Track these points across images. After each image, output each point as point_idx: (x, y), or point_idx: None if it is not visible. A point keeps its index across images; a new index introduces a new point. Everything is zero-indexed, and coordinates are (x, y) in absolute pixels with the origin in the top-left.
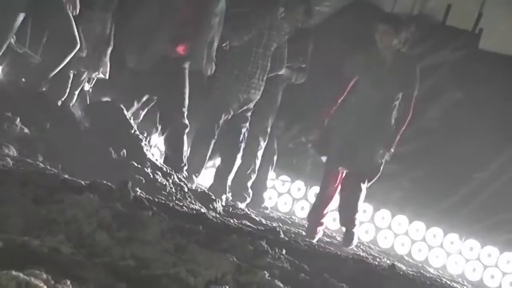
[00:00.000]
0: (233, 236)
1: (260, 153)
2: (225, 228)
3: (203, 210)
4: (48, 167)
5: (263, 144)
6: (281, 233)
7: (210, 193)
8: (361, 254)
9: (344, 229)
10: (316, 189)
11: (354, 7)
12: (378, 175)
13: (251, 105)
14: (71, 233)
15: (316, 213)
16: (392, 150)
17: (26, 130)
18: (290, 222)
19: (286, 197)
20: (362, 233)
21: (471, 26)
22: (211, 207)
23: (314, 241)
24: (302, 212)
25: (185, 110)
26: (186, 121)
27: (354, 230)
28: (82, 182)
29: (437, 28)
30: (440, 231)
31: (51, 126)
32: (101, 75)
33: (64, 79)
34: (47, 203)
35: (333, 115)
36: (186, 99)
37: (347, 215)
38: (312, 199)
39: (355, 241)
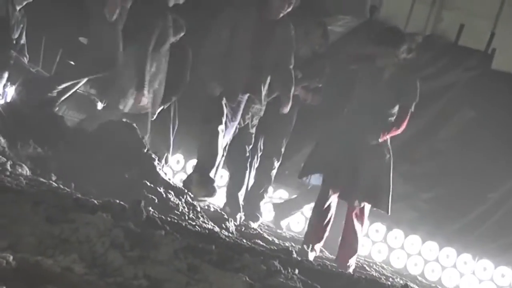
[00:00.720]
0: (246, 256)
1: (273, 173)
2: (237, 247)
3: (216, 229)
4: (61, 186)
5: (276, 164)
6: (294, 252)
7: (223, 213)
8: (374, 274)
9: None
10: None
11: (366, 27)
12: (383, 196)
13: (255, 121)
14: (84, 253)
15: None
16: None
17: (39, 150)
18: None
19: (299, 216)
20: (375, 253)
21: (483, 46)
22: (224, 226)
23: (310, 259)
24: None
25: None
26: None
27: (343, 254)
28: (95, 202)
29: (450, 48)
30: (454, 251)
31: (64, 145)
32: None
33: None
34: (60, 223)
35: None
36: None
37: (341, 240)
38: None
39: (348, 266)
